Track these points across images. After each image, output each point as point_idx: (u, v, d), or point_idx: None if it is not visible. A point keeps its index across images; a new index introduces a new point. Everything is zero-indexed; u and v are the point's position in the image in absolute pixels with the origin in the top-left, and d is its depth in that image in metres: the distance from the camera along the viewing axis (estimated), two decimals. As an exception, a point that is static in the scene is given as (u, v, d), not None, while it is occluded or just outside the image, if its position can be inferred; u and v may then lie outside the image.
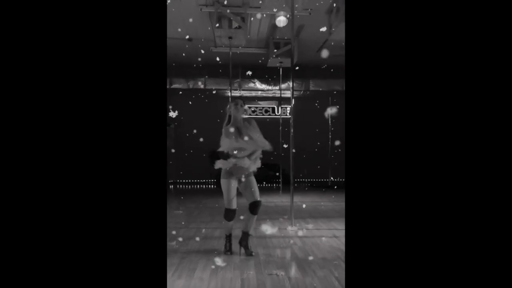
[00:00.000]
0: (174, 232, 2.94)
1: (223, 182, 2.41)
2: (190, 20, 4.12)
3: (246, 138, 2.34)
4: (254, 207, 2.39)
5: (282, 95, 6.79)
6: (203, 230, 3.23)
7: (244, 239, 2.43)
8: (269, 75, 6.88)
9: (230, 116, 2.49)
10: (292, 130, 3.46)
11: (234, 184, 2.39)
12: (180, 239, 2.80)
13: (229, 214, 2.41)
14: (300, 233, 3.12)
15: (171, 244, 2.64)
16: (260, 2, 4.32)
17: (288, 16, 4.52)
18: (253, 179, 2.42)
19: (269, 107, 7.97)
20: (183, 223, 3.54)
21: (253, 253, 2.44)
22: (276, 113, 7.89)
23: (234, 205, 2.41)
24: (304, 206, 4.46)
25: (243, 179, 2.39)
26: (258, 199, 2.40)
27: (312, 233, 3.17)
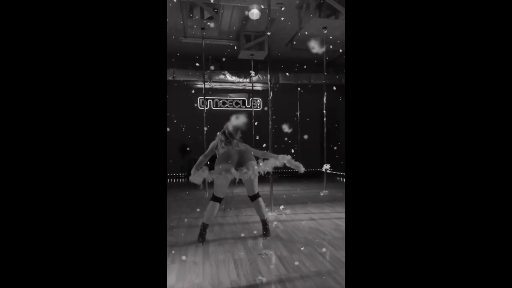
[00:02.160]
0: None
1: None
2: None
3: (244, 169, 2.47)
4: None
5: (250, 88, 6.88)
6: (186, 220, 3.26)
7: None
8: (241, 67, 6.92)
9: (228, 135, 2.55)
10: (270, 123, 3.58)
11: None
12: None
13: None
14: (281, 217, 3.29)
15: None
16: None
17: (261, 8, 4.60)
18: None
19: (239, 100, 8.02)
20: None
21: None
22: (247, 106, 7.98)
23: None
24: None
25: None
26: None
27: (291, 217, 3.36)
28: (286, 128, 3.41)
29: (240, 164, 2.45)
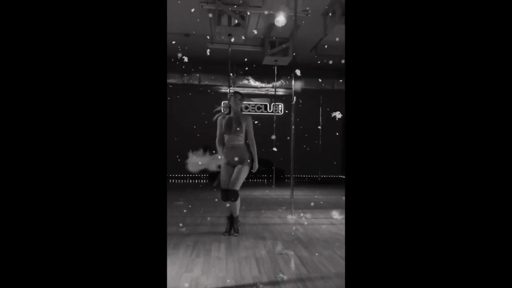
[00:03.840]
0: (181, 224, 3.08)
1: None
2: (192, 10, 4.23)
3: (237, 129, 2.68)
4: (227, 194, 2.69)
5: (273, 93, 6.97)
6: (208, 218, 3.38)
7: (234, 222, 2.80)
8: (264, 73, 7.04)
9: (230, 108, 2.79)
10: (293, 127, 3.66)
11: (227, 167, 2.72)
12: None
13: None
14: (301, 220, 3.33)
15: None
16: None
17: (287, 15, 4.70)
18: (241, 169, 2.66)
19: (261, 104, 8.14)
20: (185, 211, 3.67)
21: (236, 234, 2.74)
22: (268, 110, 8.08)
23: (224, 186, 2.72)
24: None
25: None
26: (235, 188, 2.65)
27: (311, 221, 3.39)
28: None
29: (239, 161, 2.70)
